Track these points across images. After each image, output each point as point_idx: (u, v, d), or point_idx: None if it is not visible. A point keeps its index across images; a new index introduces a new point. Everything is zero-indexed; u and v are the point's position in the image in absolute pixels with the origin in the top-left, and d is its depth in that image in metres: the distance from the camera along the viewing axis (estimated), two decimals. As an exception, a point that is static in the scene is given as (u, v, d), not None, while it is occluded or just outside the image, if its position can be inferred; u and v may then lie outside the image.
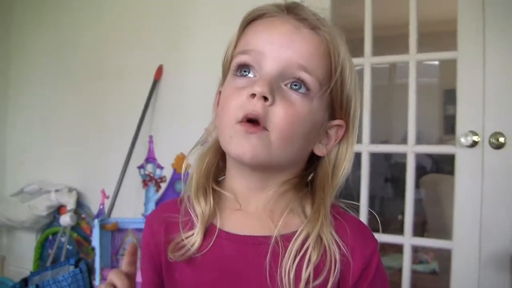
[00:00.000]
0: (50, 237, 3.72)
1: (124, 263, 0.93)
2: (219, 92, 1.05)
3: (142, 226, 2.64)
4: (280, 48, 0.93)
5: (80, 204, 3.58)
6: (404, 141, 2.68)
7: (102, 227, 2.59)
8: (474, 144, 2.41)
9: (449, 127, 5.66)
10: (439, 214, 3.19)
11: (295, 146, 0.96)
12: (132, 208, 3.17)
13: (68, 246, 3.50)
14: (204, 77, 3.07)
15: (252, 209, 1.00)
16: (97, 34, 3.64)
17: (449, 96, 5.88)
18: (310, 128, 0.96)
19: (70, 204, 3.49)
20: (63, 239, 3.52)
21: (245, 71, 0.96)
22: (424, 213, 3.69)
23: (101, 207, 2.84)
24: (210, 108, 2.68)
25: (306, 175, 1.03)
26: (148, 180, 2.69)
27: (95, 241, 2.58)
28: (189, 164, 1.08)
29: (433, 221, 3.66)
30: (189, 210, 1.01)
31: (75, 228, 3.51)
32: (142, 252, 1.10)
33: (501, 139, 2.35)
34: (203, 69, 3.11)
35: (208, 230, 0.99)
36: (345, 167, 1.02)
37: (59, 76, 3.88)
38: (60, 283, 2.80)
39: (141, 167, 2.73)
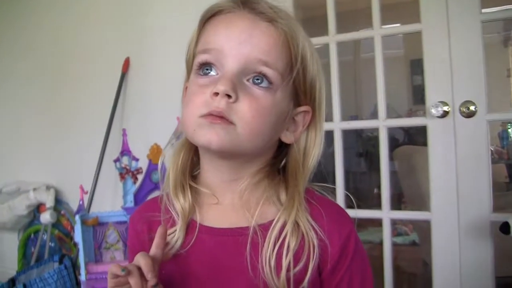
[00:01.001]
0: (32, 235, 3.72)
1: (153, 245, 0.94)
2: (185, 88, 1.06)
3: (122, 218, 2.68)
4: (239, 45, 0.94)
5: (58, 201, 3.57)
6: (373, 115, 2.70)
7: (83, 222, 2.59)
8: (445, 114, 2.44)
9: (418, 97, 5.73)
10: (414, 186, 3.23)
11: (263, 137, 0.97)
12: (111, 201, 3.17)
13: (50, 243, 3.50)
14: (171, 67, 3.06)
15: (229, 201, 1.02)
16: (63, 28, 3.60)
17: (416, 66, 5.94)
18: (276, 119, 0.98)
19: (49, 201, 3.48)
20: (45, 237, 3.53)
21: (207, 69, 0.97)
22: (399, 185, 3.72)
23: (81, 202, 2.85)
24: (178, 97, 2.69)
25: (276, 162, 1.05)
26: (125, 173, 2.69)
27: (78, 237, 2.59)
28: (164, 155, 1.11)
29: (408, 193, 3.70)
30: (169, 208, 1.02)
31: (55, 225, 3.51)
32: (128, 251, 1.12)
33: (472, 108, 2.38)
34: (169, 59, 3.11)
35: (189, 226, 1.01)
36: (315, 152, 1.04)
37: (28, 73, 3.84)
38: (47, 280, 2.80)
39: (116, 160, 2.73)
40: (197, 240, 0.99)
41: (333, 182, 2.62)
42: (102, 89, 3.33)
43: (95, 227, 2.68)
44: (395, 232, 4.36)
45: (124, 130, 2.78)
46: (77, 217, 2.60)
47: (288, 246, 0.93)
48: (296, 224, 0.95)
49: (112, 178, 3.11)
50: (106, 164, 3.05)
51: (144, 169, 2.72)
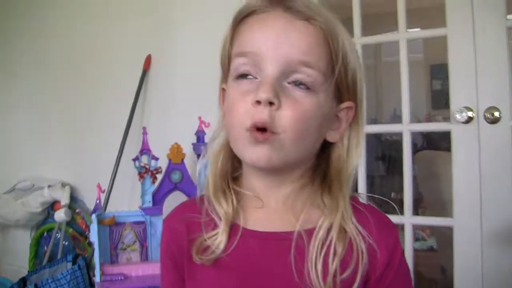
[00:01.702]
0: (45, 233, 3.69)
1: None
2: (222, 89, 1.04)
3: (139, 219, 2.66)
4: (276, 47, 0.91)
5: (74, 199, 3.56)
6: (393, 119, 2.67)
7: (99, 221, 2.57)
8: (469, 120, 2.41)
9: (436, 102, 5.68)
10: (434, 190, 3.20)
11: (308, 142, 0.95)
12: (127, 201, 3.16)
13: (64, 242, 3.48)
14: (193, 66, 3.09)
15: (273, 205, 0.99)
16: (84, 26, 3.59)
17: (436, 71, 5.91)
18: (321, 120, 0.95)
19: (64, 199, 3.47)
20: (58, 235, 3.50)
21: (246, 75, 0.94)
22: (417, 190, 3.69)
23: (98, 201, 2.82)
24: (200, 97, 2.69)
25: (319, 164, 1.02)
26: (144, 172, 2.66)
27: (94, 237, 2.56)
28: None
29: (429, 198, 3.67)
30: (209, 211, 1.00)
31: (70, 223, 3.49)
32: (162, 254, 1.09)
33: (496, 114, 2.35)
34: (191, 57, 3.12)
35: (231, 229, 0.98)
36: (359, 150, 1.01)
37: (47, 70, 3.84)
38: (59, 281, 2.78)
39: (136, 159, 2.70)
40: (240, 244, 0.97)
41: (355, 186, 2.59)
42: (122, 86, 3.32)
43: (112, 227, 2.66)
44: (413, 237, 4.32)
45: (144, 128, 2.75)
46: (93, 216, 2.58)
47: (335, 252, 0.91)
48: (343, 230, 0.93)
49: (129, 177, 3.09)
50: (124, 163, 3.04)
51: (164, 169, 2.70)
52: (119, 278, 2.49)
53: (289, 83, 0.92)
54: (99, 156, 3.45)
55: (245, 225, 0.98)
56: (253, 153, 0.91)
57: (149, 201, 2.66)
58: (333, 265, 0.90)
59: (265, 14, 0.94)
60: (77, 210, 3.49)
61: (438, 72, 5.90)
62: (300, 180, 0.99)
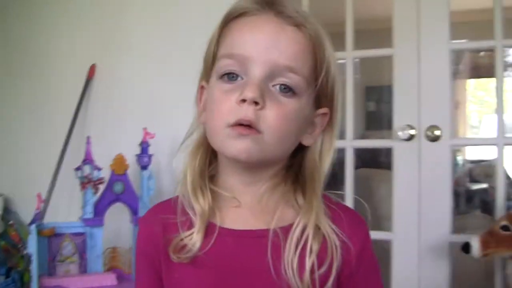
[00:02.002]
0: (-24, 246, 3.56)
1: None
2: (201, 87, 1.06)
3: (80, 230, 2.60)
4: (266, 51, 0.93)
5: (7, 210, 3.45)
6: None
7: (38, 233, 2.50)
8: (411, 137, 2.51)
9: (370, 123, 5.81)
10: (371, 207, 3.28)
11: (287, 143, 0.98)
12: (65, 212, 3.09)
13: (-5, 256, 3.36)
14: (138, 77, 3.07)
15: (248, 204, 1.01)
16: (27, 33, 3.50)
17: (370, 93, 6.07)
18: (301, 124, 0.98)
19: (-4, 210, 3.37)
20: (-11, 248, 3.38)
21: (232, 76, 0.95)
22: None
23: (37, 212, 2.75)
24: (145, 108, 2.68)
25: (291, 165, 1.05)
26: (86, 182, 2.61)
27: (32, 248, 2.48)
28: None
29: (364, 214, 3.76)
30: (187, 209, 1.00)
31: (2, 235, 3.38)
32: (137, 255, 1.09)
33: (437, 132, 2.46)
34: (137, 68, 3.10)
35: (208, 228, 0.99)
36: (330, 154, 1.04)
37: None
38: (-7, 295, 2.70)
39: (78, 168, 2.66)
40: (217, 243, 0.97)
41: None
42: (65, 95, 3.24)
43: (50, 238, 2.59)
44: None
45: (88, 138, 2.70)
46: (32, 227, 2.50)
47: (311, 249, 0.94)
48: (317, 228, 0.96)
49: (67, 188, 3.04)
50: (63, 173, 2.97)
51: (106, 180, 2.66)
52: (58, 290, 2.43)
53: (273, 86, 0.94)
54: (38, 165, 3.35)
55: (221, 224, 0.99)
56: (234, 146, 0.92)
57: (90, 212, 2.61)
58: (310, 262, 0.93)
59: (256, 17, 0.96)
60: (10, 222, 3.38)
61: (373, 94, 6.06)
62: (274, 179, 1.01)
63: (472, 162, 5.94)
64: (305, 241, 0.94)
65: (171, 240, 0.99)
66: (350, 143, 2.67)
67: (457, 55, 6.05)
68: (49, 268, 2.59)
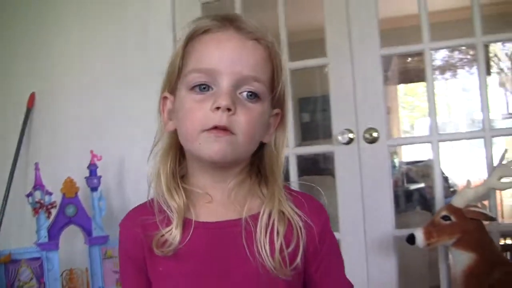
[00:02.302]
0: None
1: None
2: (164, 98, 1.15)
3: (36, 255, 2.63)
4: (231, 64, 1.04)
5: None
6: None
7: (-5, 260, 2.53)
8: (350, 141, 2.64)
9: (306, 134, 5.92)
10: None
11: (254, 143, 1.10)
12: (18, 238, 3.10)
13: None
14: (80, 101, 3.12)
15: (219, 199, 1.12)
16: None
17: (304, 104, 6.20)
18: (264, 124, 1.11)
19: None
20: None
21: (204, 88, 1.06)
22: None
23: (-9, 239, 2.77)
24: (90, 131, 2.76)
25: (253, 161, 1.16)
26: (38, 208, 2.65)
27: (-11, 276, 2.51)
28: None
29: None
30: (164, 208, 1.09)
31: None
32: (121, 258, 1.19)
33: (375, 134, 2.60)
34: (77, 94, 3.14)
35: (184, 224, 1.08)
36: (284, 148, 1.18)
37: None
38: (-51, 326, 2.68)
39: (29, 195, 2.69)
40: (194, 236, 1.07)
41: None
42: (7, 124, 3.26)
43: (7, 265, 2.61)
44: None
45: (36, 164, 2.74)
46: (-12, 255, 2.53)
47: (278, 232, 1.06)
48: (282, 213, 1.08)
49: (16, 214, 3.07)
50: (10, 200, 2.99)
51: (58, 204, 2.70)
52: (18, 316, 2.45)
53: (240, 93, 1.06)
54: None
55: (196, 219, 1.09)
56: (211, 148, 1.03)
57: (45, 236, 2.64)
58: (278, 243, 1.05)
59: (219, 34, 1.07)
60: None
61: (307, 105, 6.21)
62: (241, 175, 1.13)
63: (408, 163, 6.16)
64: (272, 225, 1.06)
65: (152, 237, 1.08)
66: (293, 151, 2.79)
67: (385, 61, 6.29)
68: (7, 294, 2.61)
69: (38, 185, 2.72)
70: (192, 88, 1.06)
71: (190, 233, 1.07)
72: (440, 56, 7.05)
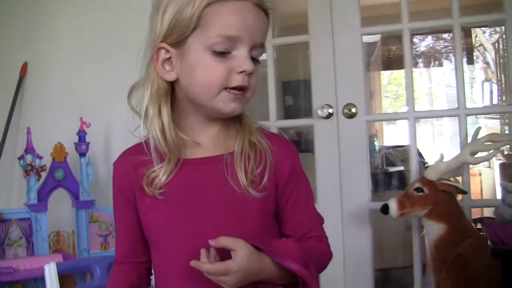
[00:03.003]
0: None
1: None
2: (160, 49, 1.22)
3: (25, 215, 2.74)
4: (252, 33, 1.17)
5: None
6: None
7: (-14, 219, 2.63)
8: (329, 115, 2.76)
9: (288, 117, 6.03)
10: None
11: None
12: (6, 199, 3.20)
13: None
14: (70, 70, 3.21)
15: (206, 142, 1.25)
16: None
17: (287, 88, 6.33)
18: None
19: None
20: None
21: (224, 53, 1.17)
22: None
23: (-17, 199, 2.87)
24: (80, 99, 2.85)
25: None
26: (29, 170, 2.75)
27: (-20, 233, 2.62)
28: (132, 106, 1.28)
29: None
30: (158, 146, 1.21)
31: None
32: (114, 194, 1.30)
33: (353, 110, 2.72)
34: (68, 63, 3.24)
35: (176, 163, 1.21)
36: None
37: None
38: None
39: (21, 157, 2.79)
40: (182, 170, 1.21)
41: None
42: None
43: (-3, 223, 2.72)
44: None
45: (28, 128, 2.83)
46: (-21, 214, 2.63)
47: (249, 156, 1.21)
48: (252, 142, 1.23)
49: (7, 176, 3.17)
50: (1, 164, 3.09)
51: (48, 167, 2.81)
52: (8, 271, 2.55)
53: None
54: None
55: (185, 156, 1.22)
56: (227, 106, 1.18)
57: (34, 198, 2.75)
58: (249, 166, 1.20)
59: (240, 3, 1.17)
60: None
61: (290, 89, 6.33)
62: (227, 119, 1.26)
63: (388, 148, 6.31)
64: (246, 155, 1.21)
65: (143, 174, 1.21)
66: (274, 124, 2.90)
67: (369, 47, 6.41)
68: (-2, 251, 2.71)
69: (29, 149, 2.81)
70: (214, 52, 1.16)
71: (177, 170, 1.20)
72: (424, 44, 7.19)
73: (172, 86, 1.24)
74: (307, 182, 1.31)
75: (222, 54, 1.17)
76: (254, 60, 1.20)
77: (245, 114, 1.28)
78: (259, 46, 1.20)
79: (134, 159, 1.24)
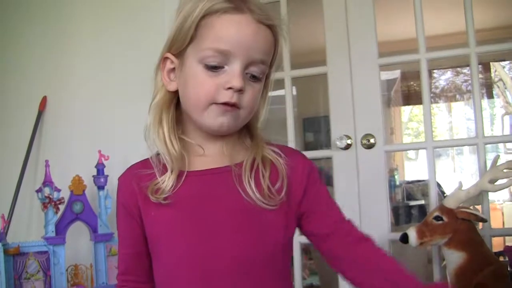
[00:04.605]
0: None
1: None
2: (165, 58, 1.24)
3: (43, 248, 2.73)
4: (247, 49, 1.15)
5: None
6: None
7: (4, 252, 2.62)
8: (348, 146, 2.74)
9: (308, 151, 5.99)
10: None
11: (252, 114, 1.23)
12: (25, 232, 3.20)
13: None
14: (89, 104, 3.24)
15: (210, 153, 1.24)
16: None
17: (307, 124, 6.34)
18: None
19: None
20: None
21: (216, 67, 1.16)
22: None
23: (1, 231, 2.86)
24: (98, 132, 2.86)
25: None
26: (47, 203, 2.75)
27: None
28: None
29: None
30: (162, 155, 1.21)
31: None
32: (118, 210, 1.30)
33: (372, 140, 2.71)
34: (87, 97, 3.26)
35: (178, 174, 1.20)
36: (265, 109, 1.30)
37: None
38: (-42, 315, 2.77)
39: (39, 190, 2.80)
40: (185, 183, 1.19)
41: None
42: (19, 125, 3.36)
43: (15, 257, 2.70)
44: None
45: (46, 161, 2.85)
46: (-1, 246, 2.63)
47: (263, 173, 1.19)
48: (266, 157, 1.22)
49: (26, 209, 3.18)
50: (20, 196, 3.09)
51: (66, 200, 2.81)
52: (25, 306, 2.54)
53: (246, 73, 1.17)
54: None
55: (189, 169, 1.21)
56: (218, 120, 1.17)
57: (52, 231, 2.74)
58: (265, 183, 1.18)
59: (237, 17, 1.16)
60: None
61: (311, 125, 6.33)
62: (231, 135, 1.25)
63: (409, 182, 6.25)
64: (256, 168, 1.19)
65: (147, 186, 1.19)
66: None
67: (388, 83, 6.41)
68: (15, 285, 2.69)
69: (47, 182, 2.82)
70: (206, 66, 1.16)
71: (182, 181, 1.19)
72: (444, 78, 7.17)
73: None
74: (325, 186, 1.30)
75: (214, 69, 1.16)
76: (255, 77, 1.18)
77: (258, 132, 1.27)
78: (259, 63, 1.18)
79: (138, 173, 1.24)
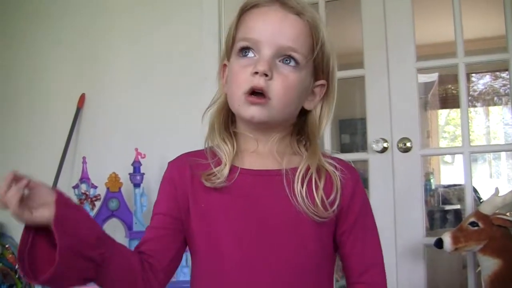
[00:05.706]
0: (-27, 270, 3.66)
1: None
2: (224, 65, 1.29)
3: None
4: (273, 36, 1.17)
5: (2, 235, 3.57)
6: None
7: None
8: (384, 149, 2.73)
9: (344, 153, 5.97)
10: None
11: (291, 107, 1.22)
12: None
13: (-7, 278, 3.47)
14: (127, 102, 3.27)
15: (261, 151, 1.25)
16: (21, 60, 3.64)
17: (344, 126, 6.31)
18: (301, 91, 1.22)
19: (-8, 235, 3.48)
20: (-13, 272, 3.49)
21: (246, 52, 1.20)
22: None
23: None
24: (136, 130, 2.89)
25: (297, 124, 1.29)
26: (83, 199, 2.79)
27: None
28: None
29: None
30: (216, 152, 1.24)
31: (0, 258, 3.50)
32: (162, 187, 1.28)
33: (408, 144, 2.69)
34: (125, 95, 3.29)
35: (231, 169, 1.21)
36: (328, 117, 1.29)
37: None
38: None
39: (75, 187, 2.84)
40: (239, 178, 1.20)
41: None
42: (56, 122, 3.40)
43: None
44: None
45: (84, 158, 2.89)
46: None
47: (316, 184, 1.19)
48: (321, 168, 1.21)
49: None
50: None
51: (102, 197, 2.84)
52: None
53: (279, 61, 1.18)
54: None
55: (242, 166, 1.23)
56: (247, 111, 1.17)
57: (89, 227, 2.77)
58: (319, 195, 1.18)
59: (265, 8, 1.20)
60: (6, 246, 3.51)
61: (347, 127, 6.31)
62: (282, 133, 1.26)
63: (445, 186, 6.18)
64: (309, 177, 1.19)
65: (200, 175, 1.20)
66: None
67: (426, 87, 6.35)
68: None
69: (84, 178, 2.86)
70: (238, 52, 1.20)
71: (236, 176, 1.20)
72: (482, 82, 7.07)
73: None
74: (369, 204, 1.30)
75: (245, 57, 1.19)
76: (288, 66, 1.18)
77: (317, 141, 1.26)
78: (289, 50, 1.18)
79: (192, 160, 1.24)
